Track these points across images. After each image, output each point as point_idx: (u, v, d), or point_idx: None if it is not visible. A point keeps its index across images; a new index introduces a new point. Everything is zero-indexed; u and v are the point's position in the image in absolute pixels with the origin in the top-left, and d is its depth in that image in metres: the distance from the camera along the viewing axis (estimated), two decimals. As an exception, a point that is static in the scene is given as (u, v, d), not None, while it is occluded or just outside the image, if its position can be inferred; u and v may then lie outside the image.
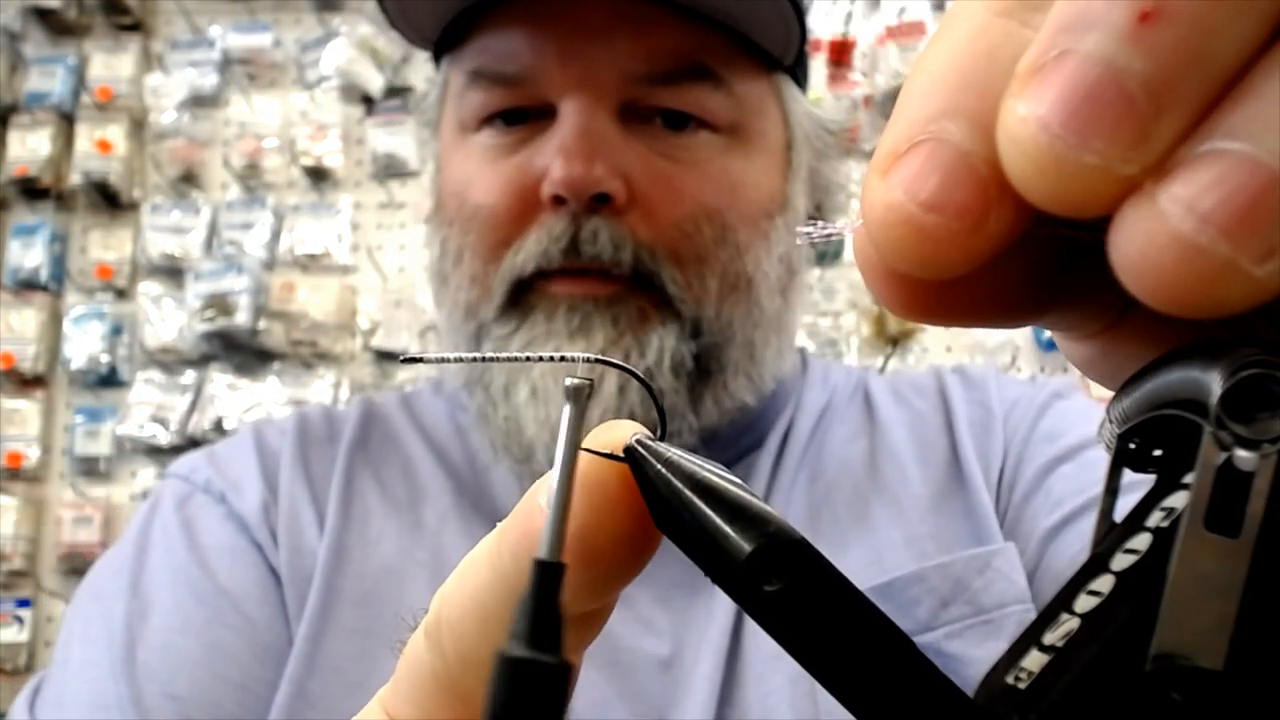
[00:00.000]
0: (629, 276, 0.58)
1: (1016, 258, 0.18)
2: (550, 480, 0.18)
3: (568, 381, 0.19)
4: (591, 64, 0.58)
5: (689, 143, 0.59)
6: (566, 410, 0.19)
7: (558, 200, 0.57)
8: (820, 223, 0.21)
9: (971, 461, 0.62)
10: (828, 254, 1.73)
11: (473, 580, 0.21)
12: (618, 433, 0.20)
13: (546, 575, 0.17)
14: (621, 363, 0.20)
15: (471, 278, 0.61)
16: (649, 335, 0.58)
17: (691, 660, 0.56)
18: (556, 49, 0.58)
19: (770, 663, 0.55)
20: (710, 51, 0.59)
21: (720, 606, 0.57)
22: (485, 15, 0.61)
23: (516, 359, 0.19)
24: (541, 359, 0.19)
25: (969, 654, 0.55)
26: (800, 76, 0.66)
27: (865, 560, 0.59)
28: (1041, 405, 0.65)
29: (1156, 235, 0.15)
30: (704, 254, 0.59)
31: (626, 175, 0.57)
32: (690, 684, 0.55)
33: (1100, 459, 0.21)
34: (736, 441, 0.66)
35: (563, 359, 0.19)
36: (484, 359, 0.19)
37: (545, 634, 0.16)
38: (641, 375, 0.21)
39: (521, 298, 0.59)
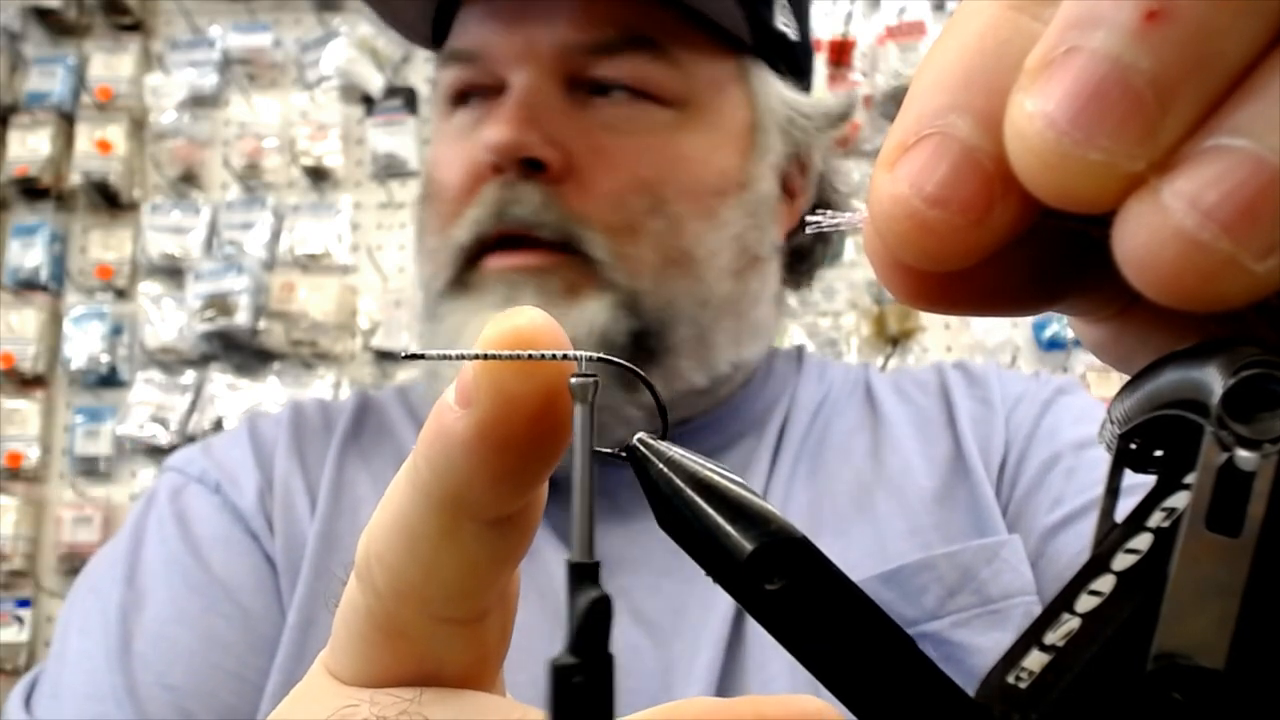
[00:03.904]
0: (560, 246, 0.58)
1: (1025, 247, 0.18)
2: (575, 481, 0.18)
3: (573, 381, 0.19)
4: (534, 37, 0.59)
5: (631, 114, 0.60)
6: (578, 410, 0.19)
7: (497, 169, 0.58)
8: (830, 212, 0.21)
9: (974, 456, 0.62)
10: (827, 255, 1.73)
11: (394, 503, 0.21)
12: (520, 318, 0.19)
13: (582, 575, 0.17)
14: (622, 361, 0.20)
15: (429, 253, 0.62)
16: (576, 307, 0.57)
17: (690, 650, 0.56)
18: (504, 23, 0.60)
19: (771, 650, 0.55)
20: (654, 24, 0.59)
21: (720, 596, 0.57)
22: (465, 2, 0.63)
23: (518, 357, 0.18)
24: (544, 357, 0.18)
25: (974, 643, 0.55)
26: (783, 63, 0.65)
27: (868, 550, 0.59)
28: (1045, 402, 0.65)
29: (1159, 230, 0.15)
30: (635, 225, 0.58)
31: (566, 146, 0.58)
32: (690, 671, 0.55)
33: (1103, 457, 0.21)
34: (724, 427, 0.66)
35: (564, 358, 0.19)
36: (485, 357, 0.19)
37: (591, 636, 0.16)
38: (641, 371, 0.21)
39: (465, 275, 0.60)
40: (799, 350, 0.74)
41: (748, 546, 0.18)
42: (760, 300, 0.65)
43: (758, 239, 0.63)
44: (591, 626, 0.17)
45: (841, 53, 1.75)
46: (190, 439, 1.75)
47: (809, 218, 0.21)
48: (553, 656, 0.16)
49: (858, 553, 0.59)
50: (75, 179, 1.86)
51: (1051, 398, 0.65)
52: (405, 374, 1.79)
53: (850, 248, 1.74)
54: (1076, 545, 0.56)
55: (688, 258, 0.60)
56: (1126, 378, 0.20)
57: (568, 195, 0.58)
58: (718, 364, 0.63)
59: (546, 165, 0.58)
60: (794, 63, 0.66)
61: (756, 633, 0.56)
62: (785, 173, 0.66)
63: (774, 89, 0.64)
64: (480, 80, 0.61)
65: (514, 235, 0.58)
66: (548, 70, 0.59)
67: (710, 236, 0.60)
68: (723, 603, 0.57)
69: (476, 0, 0.62)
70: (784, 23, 0.64)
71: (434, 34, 0.66)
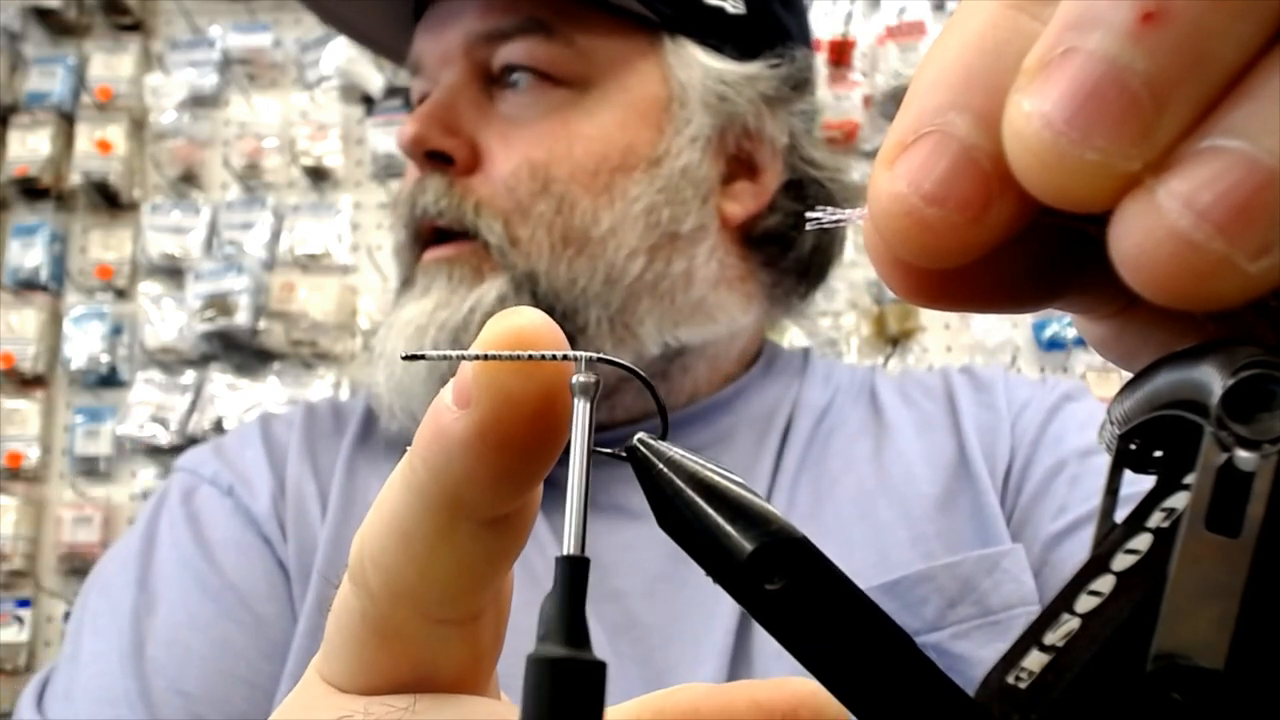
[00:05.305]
0: (466, 234, 0.61)
1: (1024, 245, 0.18)
2: (571, 478, 0.18)
3: (575, 379, 0.19)
4: (450, 37, 0.62)
5: (532, 100, 0.61)
6: (578, 407, 0.19)
7: (420, 168, 0.62)
8: (830, 209, 0.21)
9: (979, 462, 0.61)
10: (834, 248, 1.73)
11: (389, 505, 0.21)
12: (519, 318, 0.19)
13: (574, 570, 0.17)
14: (621, 361, 0.20)
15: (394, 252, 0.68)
16: (479, 289, 0.59)
17: (690, 658, 0.56)
18: (431, 31, 0.64)
19: (775, 660, 0.55)
20: (549, 9, 0.61)
21: (723, 607, 0.57)
22: None
23: (518, 357, 0.18)
24: (544, 358, 0.18)
25: (975, 654, 0.55)
26: (716, 36, 0.63)
27: (870, 559, 0.59)
28: (1051, 408, 0.64)
29: (1154, 230, 0.15)
30: (526, 208, 0.60)
31: (474, 138, 0.61)
32: (691, 677, 0.55)
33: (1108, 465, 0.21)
34: (712, 421, 0.66)
35: (564, 358, 0.19)
36: (485, 357, 0.19)
37: (579, 631, 0.16)
38: (642, 372, 0.21)
39: (412, 271, 0.63)
40: (805, 352, 0.73)
41: (748, 546, 0.18)
42: (696, 280, 0.63)
43: (678, 215, 0.62)
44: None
45: (841, 53, 1.75)
46: (190, 439, 1.75)
47: (809, 214, 0.21)
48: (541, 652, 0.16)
49: (859, 560, 0.58)
50: (75, 179, 1.86)
51: (1058, 404, 0.65)
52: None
53: (850, 247, 1.74)
54: (1081, 553, 0.56)
55: (583, 236, 0.60)
56: (1127, 377, 0.20)
57: (473, 185, 0.60)
58: (645, 346, 0.62)
59: (452, 157, 0.60)
60: (732, 35, 0.64)
61: (761, 642, 0.56)
62: (732, 149, 0.65)
63: (696, 63, 0.63)
64: (428, 88, 0.64)
65: (437, 228, 0.61)
66: (463, 68, 0.62)
67: (608, 214, 0.60)
68: (726, 613, 0.57)
69: (423, 16, 0.65)
70: None
71: None
